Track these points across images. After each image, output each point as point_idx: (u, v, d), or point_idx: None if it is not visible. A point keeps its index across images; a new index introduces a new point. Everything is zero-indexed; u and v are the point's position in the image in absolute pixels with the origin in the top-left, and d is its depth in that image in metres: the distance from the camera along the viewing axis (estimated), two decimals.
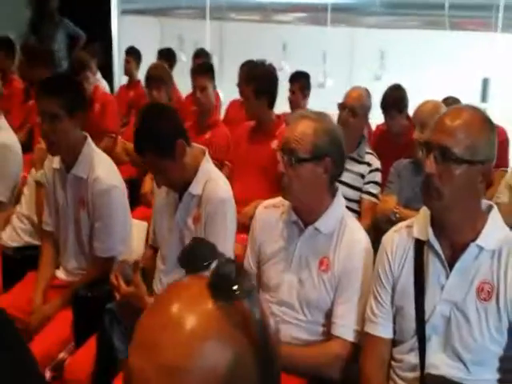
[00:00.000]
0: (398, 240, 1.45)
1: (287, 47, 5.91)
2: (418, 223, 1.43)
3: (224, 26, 7.09)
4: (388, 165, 2.75)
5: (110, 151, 3.72)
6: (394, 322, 1.46)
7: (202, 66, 3.35)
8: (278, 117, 2.93)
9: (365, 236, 1.64)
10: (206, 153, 1.90)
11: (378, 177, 2.67)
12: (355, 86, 2.79)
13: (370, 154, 2.71)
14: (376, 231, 2.62)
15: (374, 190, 2.65)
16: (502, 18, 4.17)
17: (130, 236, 2.21)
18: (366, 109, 2.73)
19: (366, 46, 5.67)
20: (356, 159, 2.67)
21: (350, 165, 2.63)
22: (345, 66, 6.02)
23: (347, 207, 2.63)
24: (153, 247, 2.06)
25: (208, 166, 1.88)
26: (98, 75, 5.17)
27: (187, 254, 0.63)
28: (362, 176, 2.65)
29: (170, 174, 1.79)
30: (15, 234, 2.45)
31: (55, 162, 2.10)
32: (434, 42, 4.93)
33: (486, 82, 3.91)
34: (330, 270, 1.60)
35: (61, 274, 2.20)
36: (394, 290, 1.45)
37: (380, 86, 3.49)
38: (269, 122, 2.87)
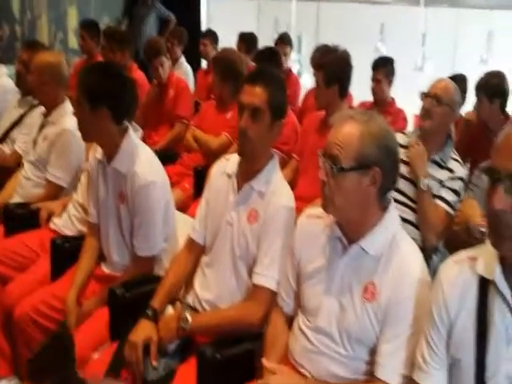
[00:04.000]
0: (457, 274, 1.16)
1: (384, 28, 5.56)
2: (485, 256, 1.12)
3: (320, 7, 6.81)
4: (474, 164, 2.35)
5: (181, 137, 3.68)
6: (449, 374, 1.18)
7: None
8: (351, 107, 2.64)
9: (420, 262, 1.35)
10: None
11: (458, 186, 2.22)
12: (440, 78, 2.39)
13: (456, 160, 2.28)
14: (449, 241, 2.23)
15: (450, 197, 2.20)
16: None
17: (174, 232, 2.08)
18: (453, 102, 2.29)
19: (471, 28, 5.20)
20: (438, 163, 2.27)
21: (430, 169, 2.25)
22: (447, 49, 5.56)
23: None
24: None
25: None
26: (182, 59, 5.15)
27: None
28: (441, 182, 2.23)
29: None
30: (70, 222, 2.41)
31: (98, 152, 2.02)
32: None
33: None
34: (375, 299, 1.34)
35: (104, 266, 2.12)
36: (450, 336, 1.16)
37: (486, 70, 3.17)
38: None
